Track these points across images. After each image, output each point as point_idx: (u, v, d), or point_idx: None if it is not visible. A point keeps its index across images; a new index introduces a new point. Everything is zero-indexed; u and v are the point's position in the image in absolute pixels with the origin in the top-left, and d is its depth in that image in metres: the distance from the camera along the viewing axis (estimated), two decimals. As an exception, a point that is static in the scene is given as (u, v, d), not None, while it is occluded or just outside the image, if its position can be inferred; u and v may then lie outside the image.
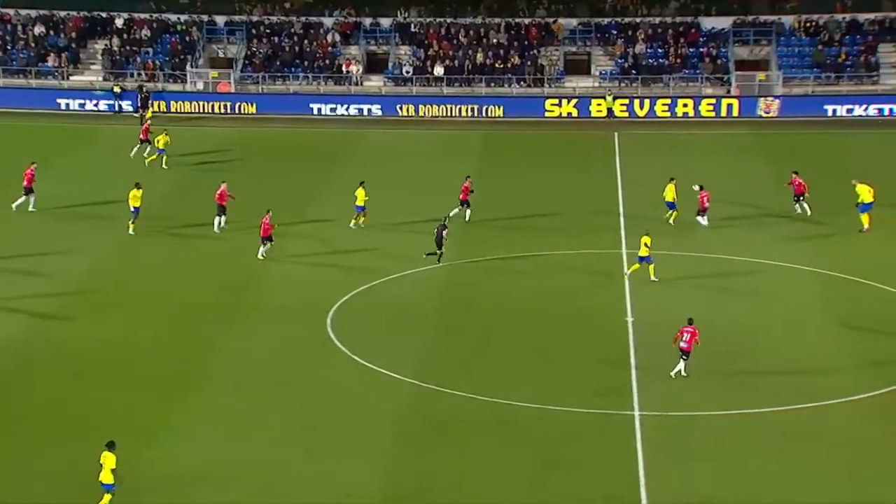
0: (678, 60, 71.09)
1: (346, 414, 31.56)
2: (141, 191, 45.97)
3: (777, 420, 30.64)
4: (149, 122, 61.96)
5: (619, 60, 71.78)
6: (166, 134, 56.97)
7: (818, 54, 69.90)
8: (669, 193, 46.60)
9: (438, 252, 42.09)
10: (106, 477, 25.47)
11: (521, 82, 71.38)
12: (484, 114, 69.00)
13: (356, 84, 72.76)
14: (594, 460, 28.96)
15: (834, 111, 66.60)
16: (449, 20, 75.15)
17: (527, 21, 74.54)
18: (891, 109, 66.19)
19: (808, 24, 71.57)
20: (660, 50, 71.82)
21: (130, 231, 45.79)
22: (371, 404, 32.08)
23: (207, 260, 43.97)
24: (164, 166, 56.11)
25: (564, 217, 48.47)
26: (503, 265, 43.10)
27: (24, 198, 49.22)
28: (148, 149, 57.49)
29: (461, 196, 47.75)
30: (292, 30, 75.82)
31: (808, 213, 47.30)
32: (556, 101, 68.99)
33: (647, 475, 28.00)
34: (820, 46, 70.22)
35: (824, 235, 45.48)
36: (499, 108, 69.19)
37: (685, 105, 67.91)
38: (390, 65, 73.88)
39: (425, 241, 44.96)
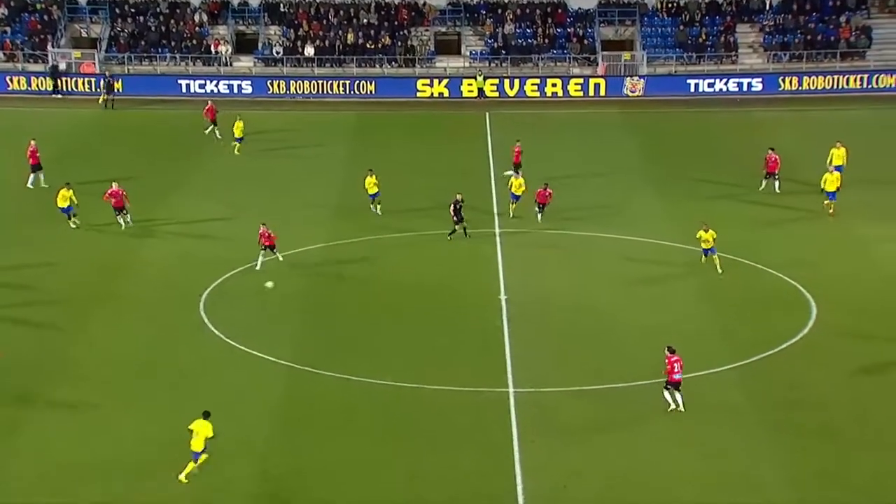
0: (546, 41, 71.78)
1: (222, 397, 31.23)
2: (70, 191, 44.23)
3: (645, 393, 31.30)
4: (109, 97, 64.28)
5: (489, 41, 72.17)
6: (240, 119, 55.82)
7: (680, 34, 71.32)
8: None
9: (461, 225, 42.65)
10: (197, 445, 26.50)
11: (393, 63, 71.27)
12: (357, 90, 68.69)
13: (225, 65, 71.76)
14: (470, 437, 29.20)
15: (696, 86, 67.96)
16: (318, 0, 74.55)
17: (397, 1, 74.38)
18: (749, 84, 67.88)
19: (670, 5, 72.99)
20: (528, 30, 72.40)
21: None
22: (247, 387, 31.84)
23: (74, 247, 42.96)
24: (236, 153, 55.14)
25: (438, 197, 48.60)
26: (377, 245, 43.07)
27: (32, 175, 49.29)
28: (211, 128, 57.50)
29: (514, 160, 49.54)
30: (158, 9, 74.34)
31: (777, 190, 47.61)
32: (428, 81, 69.12)
33: (522, 450, 28.38)
34: (682, 27, 71.65)
35: (692, 212, 46.39)
36: (371, 84, 68.96)
37: (554, 85, 68.69)
38: (260, 45, 73.01)
39: (301, 224, 44.80)
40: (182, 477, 26.67)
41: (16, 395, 31.12)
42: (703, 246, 39.02)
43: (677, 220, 44.96)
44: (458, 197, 43.10)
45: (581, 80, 68.83)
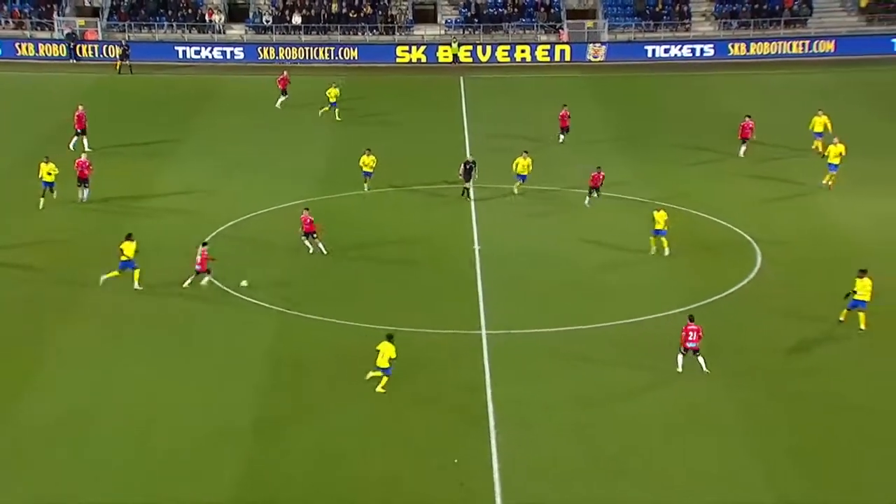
0: (516, 10, 71.22)
1: (220, 343, 31.11)
2: (51, 164, 40.96)
3: (606, 334, 31.36)
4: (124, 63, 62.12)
5: (463, 10, 71.54)
6: (336, 86, 54.51)
7: (638, 3, 70.85)
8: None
9: (469, 184, 42.11)
10: (382, 362, 27.85)
11: (374, 30, 70.56)
12: (341, 56, 68.01)
13: (219, 32, 70.86)
14: (447, 375, 29.23)
15: (653, 52, 67.63)
16: (305, -28, 73.55)
17: (378, -27, 73.48)
18: (701, 50, 67.55)
19: (629, -24, 72.42)
20: (499, 0, 71.75)
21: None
22: (243, 333, 31.69)
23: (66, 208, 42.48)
24: (337, 118, 53.75)
25: (416, 154, 48.36)
26: (361, 200, 42.80)
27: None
28: (281, 99, 55.71)
29: (561, 124, 49.13)
30: (156, -20, 73.19)
31: (741, 155, 46.60)
32: (406, 47, 68.55)
33: (494, 386, 28.43)
34: (641, -4, 71.23)
35: (652, 169, 46.33)
36: (354, 50, 68.31)
37: (523, 51, 68.21)
38: (251, 14, 72.06)
39: (290, 179, 44.54)
40: (379, 388, 27.88)
41: (30, 337, 30.86)
42: (656, 227, 36.65)
43: (639, 177, 44.85)
44: (470, 158, 42.69)
45: (548, 47, 68.38)
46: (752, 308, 33.01)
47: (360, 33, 70.42)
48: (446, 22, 71.37)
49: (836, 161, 41.63)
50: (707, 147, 48.57)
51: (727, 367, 29.34)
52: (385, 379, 28.05)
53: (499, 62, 67.91)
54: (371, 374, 28.17)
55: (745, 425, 26.76)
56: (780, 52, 67.31)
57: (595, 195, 40.61)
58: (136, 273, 33.80)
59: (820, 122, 46.57)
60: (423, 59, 68.19)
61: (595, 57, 68.00)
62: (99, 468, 25.11)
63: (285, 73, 57.48)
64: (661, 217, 36.10)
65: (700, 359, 28.68)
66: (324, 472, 25.10)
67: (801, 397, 27.92)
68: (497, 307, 33.07)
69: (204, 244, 34.40)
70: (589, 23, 70.20)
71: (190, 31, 70.74)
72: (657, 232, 36.22)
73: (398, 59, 68.24)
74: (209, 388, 28.45)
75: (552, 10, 71.05)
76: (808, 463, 25.27)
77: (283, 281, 34.99)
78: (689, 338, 28.60)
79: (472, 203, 41.89)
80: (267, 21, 71.13)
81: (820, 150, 45.79)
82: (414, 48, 68.48)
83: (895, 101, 56.02)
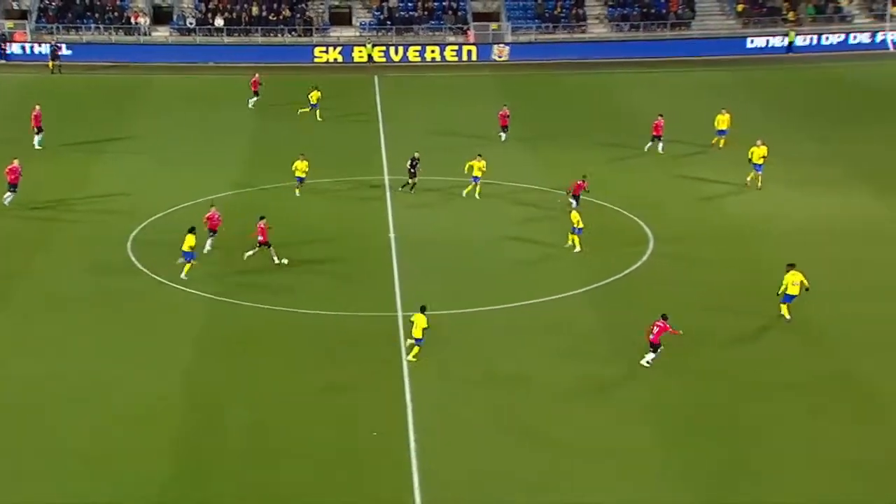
0: (426, 13, 71.25)
1: (150, 329, 30.73)
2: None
3: (515, 314, 31.73)
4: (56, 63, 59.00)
5: (376, 13, 71.32)
6: (317, 89, 53.31)
7: (539, 8, 71.40)
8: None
9: (413, 180, 41.58)
10: (417, 333, 28.24)
11: (293, 32, 69.99)
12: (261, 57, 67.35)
13: (144, 34, 69.53)
14: (365, 355, 29.30)
15: (553, 52, 68.20)
16: (226, -23, 72.48)
17: (295, -22, 72.78)
18: (598, 51, 68.31)
19: (530, -18, 72.83)
20: (410, 4, 71.72)
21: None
22: (172, 319, 31.35)
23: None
24: (318, 119, 52.56)
25: (334, 149, 48.18)
26: (283, 192, 42.54)
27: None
28: (254, 99, 54.81)
29: (501, 122, 48.32)
30: (83, -17, 71.48)
31: (650, 150, 46.66)
32: (324, 48, 68.17)
33: (411, 366, 28.56)
34: (540, 1, 71.68)
35: (555, 160, 46.73)
36: (274, 51, 67.73)
37: (433, 51, 68.31)
38: (175, 17, 70.85)
39: (216, 172, 44.08)
40: (410, 357, 28.35)
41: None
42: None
43: (544, 167, 45.28)
44: (416, 154, 42.43)
45: (456, 47, 68.58)
46: (647, 286, 33.64)
47: (279, 35, 69.77)
48: (361, 24, 71.09)
49: (760, 162, 41.21)
50: (609, 142, 49.01)
51: (625, 344, 29.94)
52: (417, 349, 28.36)
53: (410, 62, 67.92)
54: (410, 341, 28.63)
55: (645, 398, 27.35)
56: (667, 52, 68.26)
57: (574, 203, 38.90)
58: (188, 266, 33.57)
59: (723, 120, 46.62)
60: (340, 59, 67.90)
61: (500, 57, 68.42)
62: (33, 447, 24.69)
63: (256, 75, 56.88)
64: (574, 217, 36.08)
65: (650, 353, 28.14)
66: (253, 446, 25.05)
67: (693, 372, 28.59)
68: (412, 290, 33.22)
69: (262, 218, 34.64)
70: (493, 25, 70.59)
71: (116, 34, 69.28)
72: (576, 230, 35.99)
73: (316, 59, 67.84)
74: (141, 370, 28.13)
75: (459, 13, 71.29)
76: (703, 431, 25.91)
77: (212, 269, 34.65)
78: (652, 331, 28.07)
79: (388, 195, 41.91)
80: (190, 24, 70.02)
81: (720, 146, 46.28)
82: (331, 49, 68.13)
83: (781, 98, 57.23)
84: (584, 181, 39.29)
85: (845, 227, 38.19)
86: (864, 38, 67.27)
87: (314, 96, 53.23)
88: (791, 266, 30.70)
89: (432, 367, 28.59)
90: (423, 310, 28.57)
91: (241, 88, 57.43)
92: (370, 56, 67.64)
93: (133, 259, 35.31)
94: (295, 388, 27.63)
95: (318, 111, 53.10)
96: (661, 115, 47.12)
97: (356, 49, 68.03)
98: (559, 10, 71.33)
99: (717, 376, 28.12)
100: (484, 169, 40.88)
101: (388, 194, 42.08)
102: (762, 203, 40.80)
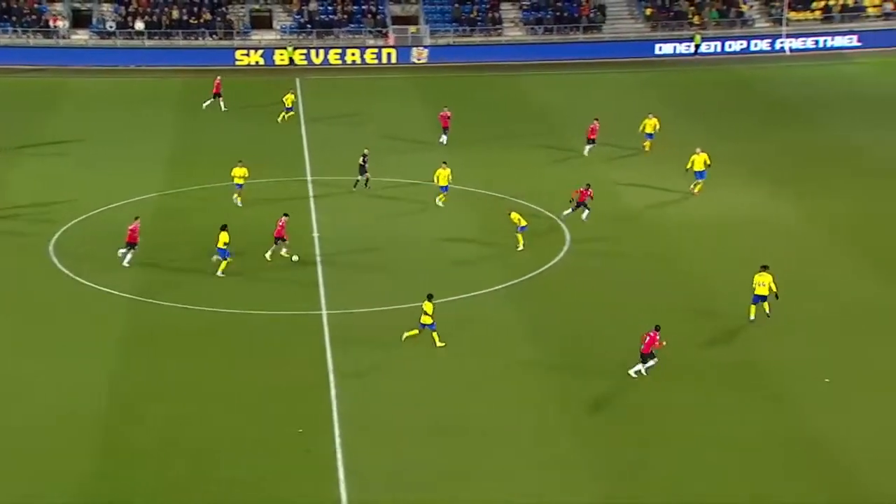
0: (345, 16, 70.82)
1: (73, 330, 29.98)
2: None
3: (440, 309, 31.62)
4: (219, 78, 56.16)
5: (297, 16, 70.67)
6: (292, 93, 52.67)
7: (456, 11, 71.49)
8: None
9: (364, 177, 41.11)
10: (426, 319, 28.69)
11: (214, 35, 68.94)
12: (182, 60, 66.17)
13: (63, 38, 67.79)
14: (289, 353, 28.98)
15: (471, 54, 68.31)
16: (146, -20, 71.05)
17: (215, -18, 71.66)
18: (513, 53, 68.63)
19: (447, -14, 72.81)
20: (330, 7, 71.23)
21: None
22: (95, 320, 30.64)
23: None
24: (284, 120, 51.72)
25: (257, 151, 47.54)
26: (205, 193, 41.88)
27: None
28: (220, 102, 53.57)
29: (442, 124, 47.39)
30: (-1, -13, 69.37)
31: (586, 154, 46.23)
32: (245, 51, 67.27)
33: (335, 362, 28.36)
34: (457, 4, 71.77)
35: (476, 159, 46.63)
36: (195, 54, 66.63)
37: (353, 54, 67.95)
38: (94, 20, 69.23)
39: (137, 175, 43.22)
40: (439, 343, 28.72)
41: None
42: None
43: (465, 166, 45.14)
44: (365, 151, 41.94)
45: (376, 50, 68.30)
46: (565, 280, 33.88)
47: (200, 38, 68.68)
48: (281, 28, 70.35)
49: (701, 168, 40.82)
50: (530, 142, 49.07)
51: (539, 336, 30.09)
52: (434, 333, 28.79)
53: (331, 64, 67.47)
54: (407, 333, 28.75)
55: (556, 388, 27.53)
56: (579, 54, 68.84)
57: (575, 209, 38.11)
58: (224, 263, 33.42)
59: (650, 124, 46.66)
60: (261, 61, 67.11)
61: (419, 59, 68.36)
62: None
63: (218, 78, 55.96)
64: (516, 217, 35.70)
65: (641, 365, 27.44)
66: (176, 444, 24.66)
67: (604, 360, 28.86)
68: (336, 288, 32.96)
69: (285, 215, 34.72)
70: (412, 28, 70.46)
71: (34, 37, 67.44)
72: (520, 228, 35.65)
73: (237, 62, 66.94)
74: (64, 370, 27.42)
75: (378, 17, 71.00)
76: (612, 418, 26.17)
77: (134, 271, 33.90)
78: (644, 341, 27.30)
79: (311, 195, 41.51)
80: (110, 27, 68.49)
81: (648, 150, 46.43)
82: (252, 52, 67.29)
83: (688, 100, 58.02)
84: (587, 189, 38.09)
85: (746, 222, 38.91)
86: (765, 44, 68.83)
87: (289, 99, 52.73)
88: (764, 268, 30.56)
89: (355, 364, 28.39)
90: (430, 297, 29.01)
91: (165, 91, 56.45)
92: (291, 59, 67.00)
93: (55, 261, 34.41)
94: (218, 385, 27.21)
95: (291, 114, 52.54)
96: (597, 119, 46.85)
97: (277, 52, 67.33)
98: (475, 13, 71.50)
99: (625, 366, 28.40)
100: (450, 177, 39.71)
101: (311, 194, 41.67)
102: (675, 201, 41.31)
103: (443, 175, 39.77)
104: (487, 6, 71.76)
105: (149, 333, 30.03)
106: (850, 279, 33.67)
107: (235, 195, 40.09)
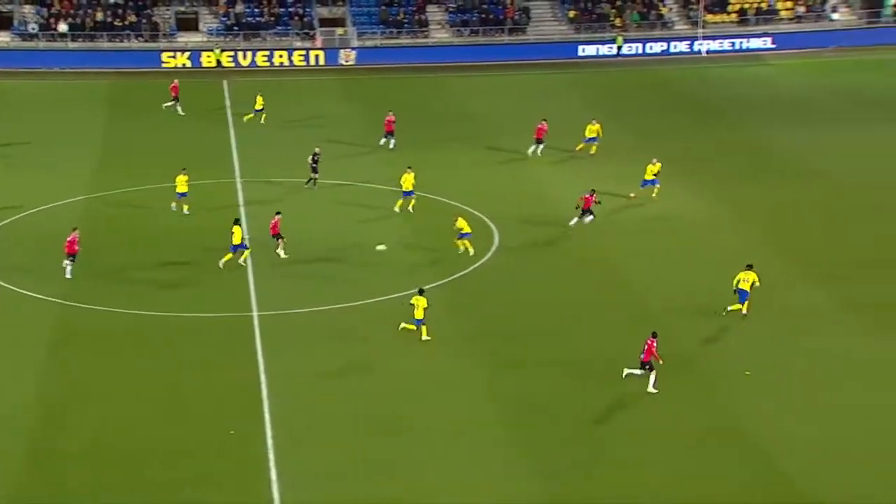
0: (272, 18, 70.27)
1: (0, 334, 29.24)
2: None
3: (367, 309, 31.63)
4: (176, 81, 55.17)
5: (224, 18, 69.90)
6: (260, 94, 51.84)
7: (383, 13, 71.39)
8: None
9: (315, 176, 40.99)
10: (419, 314, 29.02)
11: (139, 38, 67.80)
12: (107, 63, 64.96)
13: (-15, 39, 66.11)
14: (221, 357, 28.70)
15: (398, 56, 68.24)
16: (69, -19, 69.60)
17: (140, -17, 70.49)
18: (440, 54, 68.77)
19: (373, -12, 72.65)
20: (256, 10, 70.59)
21: None
22: (21, 323, 29.95)
23: None
24: (262, 122, 51.12)
25: (184, 153, 46.90)
26: (129, 197, 41.22)
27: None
28: (177, 105, 52.98)
29: (386, 128, 46.54)
30: (-82, -11, 67.35)
31: (539, 154, 45.91)
32: (172, 53, 66.31)
33: (266, 364, 28.14)
34: (383, 7, 71.68)
35: (404, 161, 46.58)
36: (121, 56, 65.46)
37: (281, 56, 67.44)
38: (16, 22, 67.56)
39: (68, 176, 42.36)
40: (425, 336, 28.97)
41: None
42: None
43: (397, 168, 45.05)
44: (317, 150, 41.58)
45: (303, 52, 67.87)
46: (494, 279, 34.06)
47: (126, 40, 67.48)
48: (208, 30, 69.52)
49: (652, 177, 40.87)
50: (458, 142, 49.18)
51: (469, 334, 30.24)
52: (424, 328, 29.04)
53: (259, 66, 66.88)
54: (404, 325, 29.14)
55: (489, 386, 27.71)
56: (505, 56, 69.15)
57: (582, 216, 37.66)
58: (246, 253, 34.07)
59: (592, 129, 46.89)
60: (188, 63, 66.20)
61: (347, 61, 68.13)
62: None
63: (175, 81, 55.04)
64: (462, 223, 35.30)
65: (638, 370, 27.00)
66: (108, 447, 24.30)
67: (537, 359, 29.13)
68: (267, 289, 32.70)
69: (278, 213, 35.05)
70: (339, 30, 70.15)
71: (-45, 38, 65.69)
72: (462, 235, 35.26)
73: (164, 64, 65.95)
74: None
75: (305, 19, 70.58)
76: (547, 416, 26.39)
77: (60, 274, 33.21)
78: (644, 350, 26.77)
79: (240, 196, 41.10)
80: (33, 29, 66.92)
81: (591, 153, 46.40)
82: (179, 54, 66.34)
83: (611, 100, 58.70)
84: (592, 195, 37.76)
85: (669, 220, 39.56)
86: (684, 46, 70.01)
87: (259, 101, 52.07)
88: (749, 266, 30.95)
89: (287, 365, 28.21)
90: (421, 292, 29.29)
91: (91, 93, 55.35)
92: (219, 61, 66.24)
93: (-22, 267, 33.54)
94: (148, 389, 26.82)
95: (262, 115, 51.84)
96: (545, 120, 46.95)
97: (204, 54, 66.51)
98: (402, 15, 71.51)
99: (561, 364, 28.70)
100: (414, 182, 39.11)
101: (240, 196, 41.25)
102: (600, 201, 41.69)
103: (408, 179, 39.05)
104: (414, 8, 71.83)
105: (77, 337, 29.47)
106: (767, 276, 34.42)
107: (174, 203, 39.06)
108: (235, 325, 30.41)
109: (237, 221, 34.31)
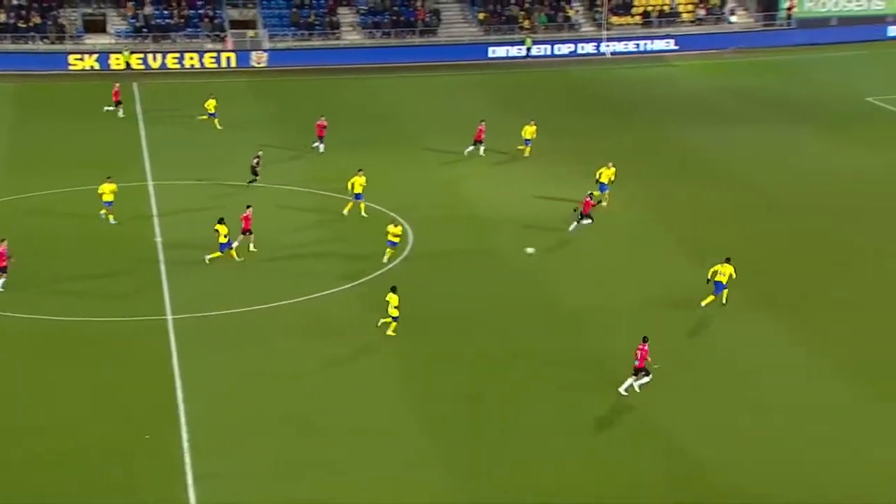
0: (182, 20, 69.20)
1: None
2: None
3: (282, 311, 31.48)
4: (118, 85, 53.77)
5: (132, 20, 68.60)
6: (212, 97, 51.01)
7: (294, 15, 70.94)
8: None
9: (256, 178, 41.20)
10: (392, 311, 29.21)
11: (45, 40, 66.09)
12: (12, 65, 63.21)
13: None
14: (135, 360, 28.28)
15: (311, 58, 67.86)
16: (-31, -17, 67.53)
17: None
18: (353, 56, 68.61)
19: (285, -10, 72.13)
20: (165, 11, 69.45)
21: None
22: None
23: None
24: (218, 127, 49.99)
25: (95, 155, 46.00)
26: (45, 201, 40.27)
27: None
28: (118, 109, 52.09)
29: (318, 133, 46.24)
30: None
31: (482, 154, 46.10)
32: (79, 56, 64.82)
33: (181, 366, 27.84)
34: (294, 9, 71.23)
35: (320, 162, 46.34)
36: (26, 58, 63.78)
37: (192, 58, 66.49)
38: (-86, 23, 65.33)
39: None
40: (390, 332, 29.29)
41: None
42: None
43: (313, 169, 44.94)
44: (259, 153, 41.50)
45: (214, 54, 67.03)
46: (410, 279, 34.16)
47: (31, 42, 65.71)
48: (116, 32, 68.14)
49: (606, 182, 40.73)
50: (374, 143, 49.02)
51: (384, 333, 30.36)
52: (394, 324, 29.20)
53: (169, 68, 65.84)
54: (382, 320, 29.32)
55: (402, 383, 27.83)
56: (417, 58, 69.29)
57: (580, 220, 37.39)
58: (233, 251, 34.24)
59: (529, 131, 47.19)
60: (97, 66, 64.79)
61: (258, 63, 67.50)
62: None
63: (117, 85, 53.90)
64: (395, 230, 34.85)
65: (631, 378, 26.93)
66: (27, 452, 23.89)
67: (450, 356, 29.36)
68: (181, 292, 32.30)
69: (248, 207, 35.28)
70: (250, 32, 69.46)
71: None
72: (391, 243, 34.84)
73: (71, 67, 64.45)
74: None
75: (216, 21, 69.71)
76: (459, 411, 26.61)
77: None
78: (637, 356, 26.76)
79: (152, 200, 40.46)
80: (-67, 30, 64.79)
81: (526, 154, 46.68)
82: (87, 56, 64.88)
83: (520, 99, 59.31)
84: (590, 198, 37.74)
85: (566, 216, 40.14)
86: (590, 47, 71.16)
87: (210, 104, 51.10)
88: (727, 259, 31.67)
89: (203, 366, 27.95)
90: (393, 290, 29.36)
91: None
92: (128, 63, 65.00)
93: None
94: (63, 395, 26.33)
95: (216, 120, 50.83)
96: (483, 121, 47.14)
97: (113, 56, 65.20)
98: (313, 17, 71.16)
99: (477, 361, 28.99)
100: (364, 185, 38.46)
101: (152, 199, 40.61)
102: (512, 199, 42.18)
103: (357, 182, 38.44)
104: (325, 11, 71.54)
105: (-11, 345, 28.70)
106: (669, 269, 35.19)
107: (104, 211, 37.84)
108: (150, 329, 29.99)
109: (221, 220, 34.04)
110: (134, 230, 37.62)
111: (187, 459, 23.75)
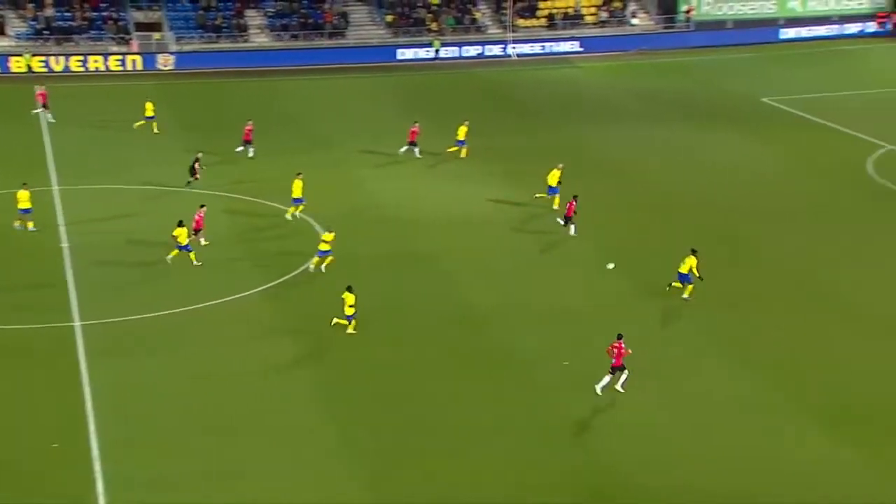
0: (85, 22, 67.68)
1: None
2: None
3: (193, 315, 31.15)
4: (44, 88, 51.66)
5: (32, 22, 66.81)
6: (149, 100, 50.04)
7: (200, 17, 69.98)
8: None
9: (193, 179, 40.86)
10: (348, 310, 29.56)
11: (-59, 42, 63.99)
12: None
13: None
14: (42, 368, 27.72)
15: (219, 60, 67.08)
16: None
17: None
18: (261, 59, 67.99)
19: (190, -7, 71.11)
20: (67, 14, 67.82)
21: None
22: None
23: None
24: (155, 131, 48.96)
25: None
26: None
27: None
28: (45, 112, 50.71)
29: (245, 137, 45.60)
30: None
31: (418, 155, 45.91)
32: (-22, 58, 62.88)
33: (90, 373, 27.37)
34: (201, 11, 70.28)
35: (224, 168, 45.85)
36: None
37: (96, 61, 65.10)
38: None
39: None
40: (350, 329, 29.64)
41: None
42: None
43: (217, 175, 44.46)
44: (199, 155, 41.06)
45: (120, 57, 65.71)
46: (311, 283, 34.14)
47: (-74, 45, 63.57)
48: (16, 34, 66.25)
49: (555, 184, 40.56)
50: (284, 147, 48.64)
51: (299, 332, 30.29)
52: (354, 322, 29.63)
53: (73, 71, 64.33)
54: (336, 320, 29.64)
55: (316, 387, 27.82)
56: (322, 59, 68.96)
57: (568, 224, 37.45)
58: (193, 254, 33.97)
59: (462, 131, 47.32)
60: (-4, 70, 63.02)
61: (165, 66, 66.42)
62: None
63: (43, 88, 52.23)
64: (328, 237, 34.34)
65: (608, 376, 26.83)
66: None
67: (364, 357, 29.43)
68: (88, 299, 31.69)
69: (202, 206, 35.53)
70: (156, 35, 68.29)
71: None
72: (321, 252, 34.30)
73: (-31, 71, 62.52)
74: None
75: (120, 23, 68.34)
76: (372, 412, 26.68)
77: None
78: (612, 354, 26.59)
79: (57, 205, 39.51)
80: None
81: (462, 155, 46.74)
82: (-16, 59, 63.03)
83: (428, 101, 59.52)
84: (574, 200, 37.44)
85: (488, 216, 40.67)
86: (497, 49, 71.93)
87: (149, 108, 49.86)
88: (693, 251, 32.40)
89: (112, 372, 27.51)
90: (349, 289, 29.67)
91: None
92: (29, 66, 63.28)
93: None
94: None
95: (154, 123, 49.57)
96: (417, 122, 47.27)
97: (13, 59, 63.41)
98: (220, 20, 70.31)
99: (391, 362, 29.13)
100: (303, 188, 38.18)
101: (57, 205, 39.67)
102: (424, 197, 42.44)
103: (297, 186, 38.20)
104: (232, 13, 70.77)
105: None
106: (582, 270, 35.78)
107: (18, 221, 36.66)
108: (57, 336, 29.37)
109: (181, 223, 33.79)
110: (39, 237, 36.72)
111: (97, 468, 23.40)
